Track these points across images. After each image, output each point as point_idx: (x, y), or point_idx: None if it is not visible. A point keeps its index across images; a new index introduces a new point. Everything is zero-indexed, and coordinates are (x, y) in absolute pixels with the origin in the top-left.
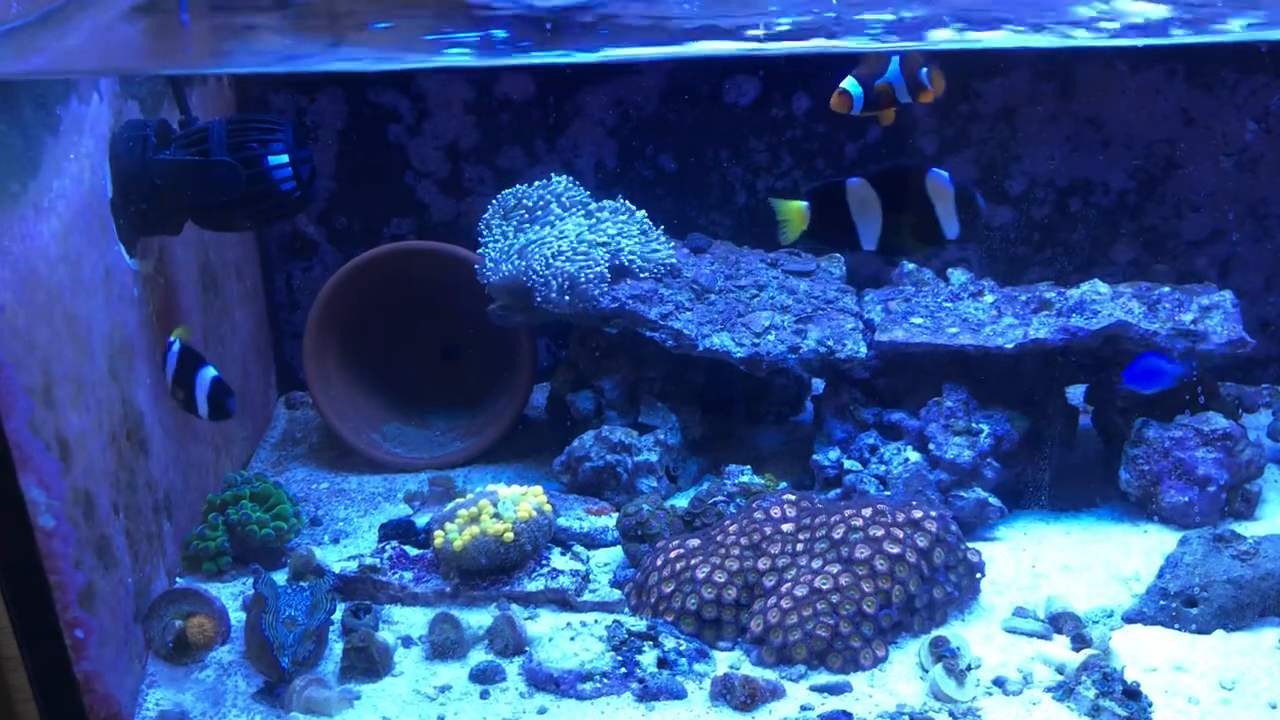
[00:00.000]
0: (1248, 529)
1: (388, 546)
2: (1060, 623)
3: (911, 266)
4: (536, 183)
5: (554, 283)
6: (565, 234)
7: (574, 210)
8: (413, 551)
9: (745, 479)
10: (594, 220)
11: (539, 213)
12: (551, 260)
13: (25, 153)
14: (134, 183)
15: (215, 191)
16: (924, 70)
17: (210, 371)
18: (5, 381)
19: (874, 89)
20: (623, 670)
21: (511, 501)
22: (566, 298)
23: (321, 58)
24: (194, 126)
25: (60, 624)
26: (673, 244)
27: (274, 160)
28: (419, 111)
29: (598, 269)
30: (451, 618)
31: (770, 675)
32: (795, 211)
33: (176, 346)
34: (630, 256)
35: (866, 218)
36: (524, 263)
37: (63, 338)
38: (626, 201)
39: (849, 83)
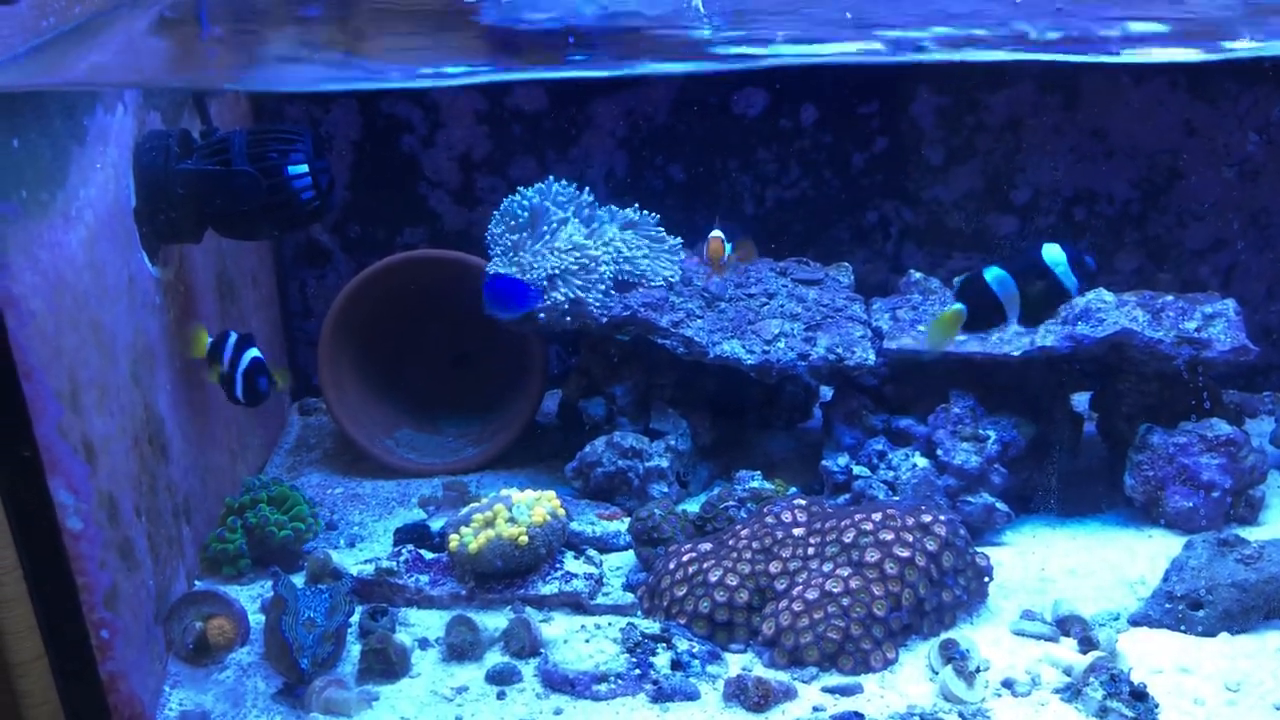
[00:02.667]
0: (1251, 533)
1: (403, 550)
2: (1067, 625)
3: (919, 275)
4: (538, 186)
5: (556, 307)
6: (566, 252)
7: (579, 217)
8: (428, 555)
9: (756, 484)
10: (597, 230)
11: (541, 225)
12: (552, 282)
13: (54, 163)
14: (157, 192)
15: (237, 201)
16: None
17: (253, 351)
18: (36, 386)
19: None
20: (637, 672)
21: (526, 506)
22: (569, 319)
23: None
24: (215, 136)
25: (86, 624)
26: (683, 255)
27: (294, 170)
28: (432, 122)
29: (600, 287)
30: (468, 620)
31: (782, 677)
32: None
33: (234, 337)
34: (635, 273)
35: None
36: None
37: (89, 344)
38: (637, 209)
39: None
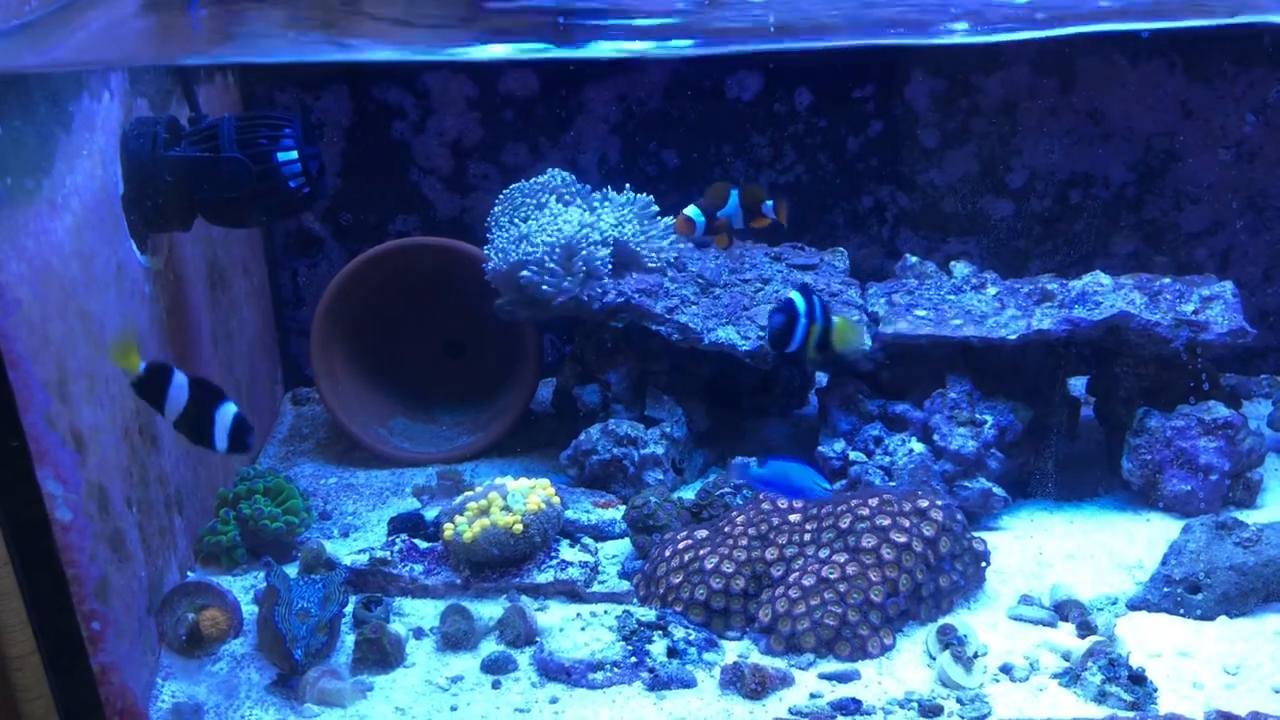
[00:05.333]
0: (1249, 516)
1: (397, 540)
2: (1065, 610)
3: (915, 260)
4: (541, 177)
5: (556, 269)
6: (567, 222)
7: (576, 201)
8: (422, 544)
9: None
10: (595, 209)
11: (543, 206)
12: (553, 247)
13: (40, 149)
14: (145, 179)
15: (226, 188)
16: (769, 204)
17: (231, 408)
18: (23, 376)
19: (715, 219)
20: (633, 660)
21: (520, 494)
22: (566, 283)
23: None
24: (203, 123)
25: (77, 617)
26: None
27: (283, 156)
28: (423, 109)
29: (600, 253)
30: (463, 609)
31: (779, 664)
32: None
33: (183, 378)
34: (635, 245)
35: None
36: (525, 250)
37: (77, 333)
38: (629, 190)
39: (692, 210)
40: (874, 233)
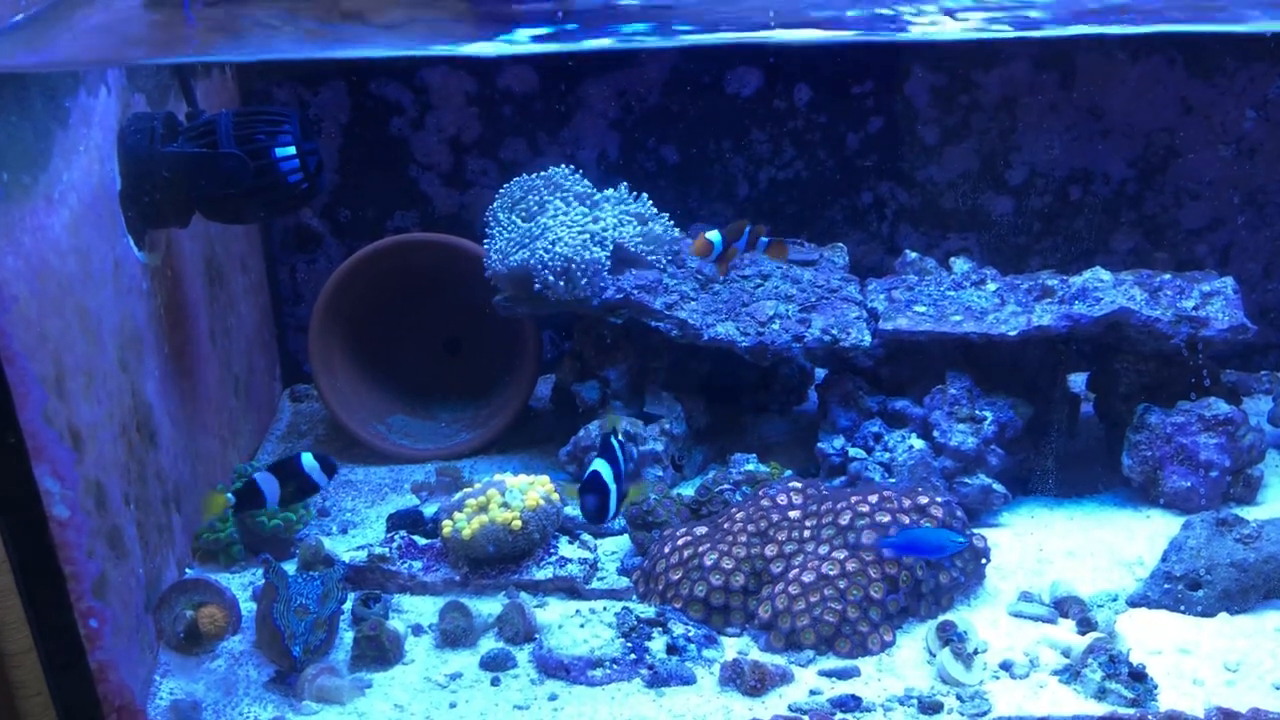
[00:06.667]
0: (1250, 513)
1: (396, 536)
2: (1065, 607)
3: (914, 255)
4: (540, 173)
5: (556, 269)
6: (568, 222)
7: (577, 199)
8: (421, 541)
9: (751, 467)
10: (596, 208)
11: (543, 204)
12: (553, 247)
13: (36, 145)
14: (142, 175)
15: (223, 183)
16: (764, 241)
17: (307, 457)
18: (19, 372)
19: (729, 248)
20: (632, 656)
21: (519, 490)
22: (563, 283)
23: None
24: (201, 119)
25: (74, 614)
26: (679, 234)
27: (281, 152)
28: (422, 104)
29: (599, 254)
30: (461, 606)
31: (779, 660)
32: None
33: (263, 472)
34: (635, 241)
35: None
36: (527, 252)
37: (74, 329)
38: (625, 187)
39: (714, 235)
40: (874, 229)
